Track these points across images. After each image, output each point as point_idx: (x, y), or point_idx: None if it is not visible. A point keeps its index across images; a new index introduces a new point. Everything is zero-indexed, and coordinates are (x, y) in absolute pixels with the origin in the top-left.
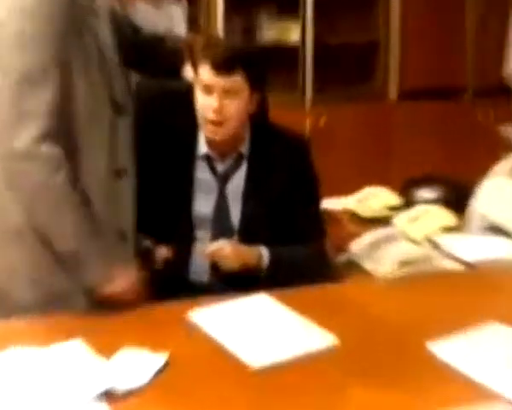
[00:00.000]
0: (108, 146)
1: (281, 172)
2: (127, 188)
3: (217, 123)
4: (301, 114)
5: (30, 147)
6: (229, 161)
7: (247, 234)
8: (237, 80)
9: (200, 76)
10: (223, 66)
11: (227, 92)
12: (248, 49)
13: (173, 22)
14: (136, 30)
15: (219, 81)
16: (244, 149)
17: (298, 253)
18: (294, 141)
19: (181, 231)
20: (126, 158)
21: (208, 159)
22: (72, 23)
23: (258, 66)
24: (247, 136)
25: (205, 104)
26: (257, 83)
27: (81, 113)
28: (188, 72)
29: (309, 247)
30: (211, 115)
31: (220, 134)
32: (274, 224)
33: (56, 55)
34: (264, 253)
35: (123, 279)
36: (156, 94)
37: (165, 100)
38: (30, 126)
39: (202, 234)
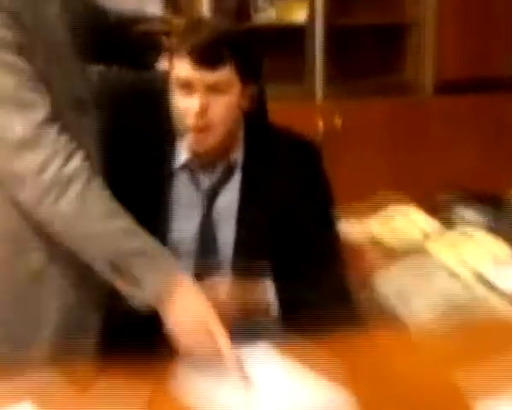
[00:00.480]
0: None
1: (284, 184)
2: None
3: (201, 129)
4: (310, 111)
5: None
6: (217, 173)
7: (243, 265)
8: (224, 73)
9: (176, 71)
10: (204, 56)
11: (212, 89)
12: (237, 31)
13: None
14: (97, 11)
15: (201, 76)
16: (237, 156)
17: (311, 289)
18: (301, 145)
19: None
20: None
21: (189, 170)
22: None
23: (251, 51)
24: (240, 139)
25: (184, 107)
26: (250, 73)
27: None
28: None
29: (325, 281)
30: (192, 121)
31: (206, 143)
32: (277, 252)
33: None
34: (268, 289)
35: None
36: (122, 88)
37: (134, 96)
38: None
39: (183, 266)
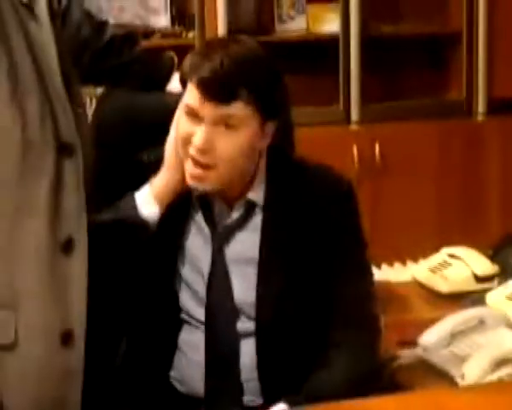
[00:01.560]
0: (49, 208)
1: (311, 229)
2: (77, 267)
3: (202, 166)
4: (343, 135)
5: None
6: (234, 212)
7: (268, 321)
8: (238, 108)
9: (186, 97)
10: (214, 91)
11: (222, 123)
12: (258, 60)
13: (149, 9)
14: (98, 29)
15: (210, 110)
16: (257, 195)
17: (335, 369)
18: (332, 184)
19: (160, 314)
20: (76, 220)
21: (203, 204)
22: None
23: (273, 85)
24: (261, 177)
25: (188, 133)
26: (271, 108)
27: (7, 156)
28: (175, 84)
29: (353, 355)
30: (193, 153)
31: (207, 182)
32: (302, 307)
33: None
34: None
35: None
36: (126, 112)
37: (138, 120)
38: None
39: (196, 313)
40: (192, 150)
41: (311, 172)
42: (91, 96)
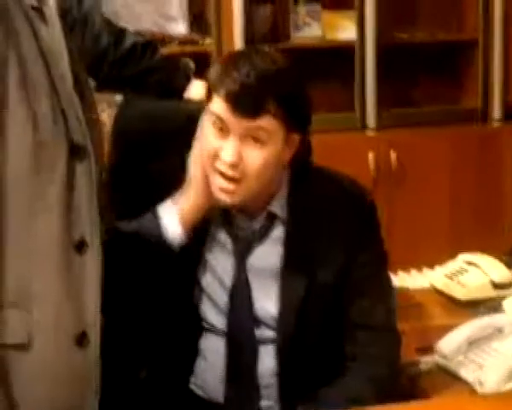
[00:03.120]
0: (62, 207)
1: (333, 243)
2: (90, 268)
3: (230, 180)
4: (360, 142)
5: None
6: (255, 224)
7: (288, 332)
8: (267, 121)
9: (213, 106)
10: (244, 105)
11: (250, 137)
12: (284, 72)
13: (166, 17)
14: (118, 37)
15: (238, 123)
16: (278, 208)
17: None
18: (352, 197)
19: (181, 322)
20: (89, 222)
21: (225, 216)
22: None
23: (300, 95)
24: (283, 190)
25: (215, 147)
26: (298, 121)
27: (16, 159)
28: (194, 91)
29: (374, 368)
30: (222, 167)
31: (234, 196)
32: (325, 318)
33: None
34: None
35: None
36: (146, 120)
37: (160, 128)
38: None
39: (216, 322)
40: (221, 165)
41: (332, 183)
42: (110, 103)
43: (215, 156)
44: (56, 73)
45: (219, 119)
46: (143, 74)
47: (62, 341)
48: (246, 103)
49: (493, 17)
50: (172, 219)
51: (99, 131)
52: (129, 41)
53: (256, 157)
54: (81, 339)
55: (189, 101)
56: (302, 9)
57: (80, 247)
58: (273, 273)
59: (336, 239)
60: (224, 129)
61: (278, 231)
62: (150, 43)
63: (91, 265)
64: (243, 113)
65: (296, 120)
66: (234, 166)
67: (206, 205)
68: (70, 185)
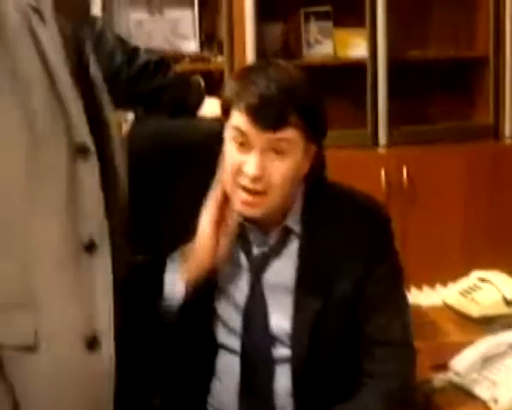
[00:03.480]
0: (67, 207)
1: (348, 257)
2: (100, 269)
3: (255, 193)
4: (371, 159)
5: None
6: (270, 239)
7: (303, 349)
8: (289, 132)
9: (234, 121)
10: (265, 119)
11: (272, 149)
12: (301, 83)
13: (178, 35)
14: (131, 55)
15: (261, 136)
16: (294, 222)
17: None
18: (368, 213)
19: (195, 344)
20: (97, 223)
21: (240, 230)
22: None
23: (318, 105)
24: (298, 203)
25: (238, 163)
26: (316, 131)
27: (16, 159)
28: (208, 109)
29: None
30: (245, 183)
31: (259, 209)
32: (340, 335)
33: None
34: None
35: None
36: (159, 140)
37: (172, 148)
38: None
39: (230, 343)
40: (244, 179)
41: (347, 198)
42: (121, 121)
43: (238, 172)
44: (52, 69)
45: (240, 133)
46: (156, 92)
47: (71, 343)
48: (267, 116)
49: (504, 34)
50: (174, 276)
51: (109, 132)
52: (142, 59)
53: (279, 169)
54: (92, 342)
55: (204, 119)
56: (314, 27)
57: (90, 247)
58: (288, 289)
59: (352, 254)
60: (245, 143)
61: (293, 247)
62: (163, 61)
63: (102, 266)
64: (265, 125)
65: (315, 130)
66: (257, 179)
67: (211, 266)
68: (74, 185)
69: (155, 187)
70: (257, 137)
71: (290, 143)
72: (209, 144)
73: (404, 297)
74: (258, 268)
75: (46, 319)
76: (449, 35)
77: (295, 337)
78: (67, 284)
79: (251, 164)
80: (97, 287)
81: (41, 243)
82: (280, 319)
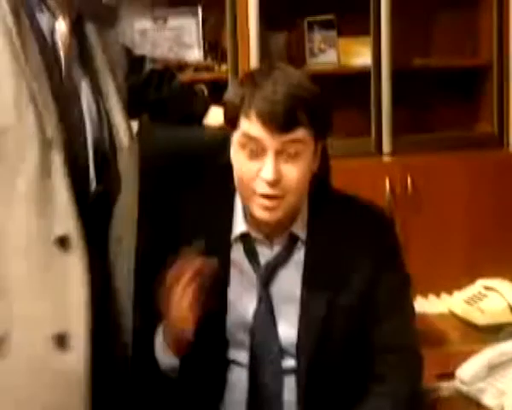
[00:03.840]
0: (36, 199)
1: (354, 263)
2: (75, 267)
3: (272, 198)
4: (376, 167)
5: None
6: (276, 247)
7: (311, 358)
8: (301, 133)
9: (243, 128)
10: (277, 122)
11: (285, 152)
12: (304, 82)
13: (182, 44)
14: (136, 65)
15: (273, 139)
16: (300, 228)
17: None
18: (372, 218)
19: (202, 357)
20: (71, 218)
21: (246, 243)
22: None
23: (323, 102)
24: (304, 209)
25: (250, 170)
26: (323, 129)
27: None
28: (212, 117)
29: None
30: (263, 189)
31: (276, 212)
32: (348, 341)
33: None
34: None
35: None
36: (165, 146)
37: (179, 156)
38: None
39: (237, 354)
40: (261, 186)
41: (351, 205)
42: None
43: (253, 179)
44: (25, 57)
45: (252, 139)
46: (162, 101)
47: (39, 339)
48: (278, 118)
49: (508, 42)
50: (163, 348)
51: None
52: (147, 68)
53: (294, 171)
54: (62, 340)
55: (209, 127)
56: (317, 36)
57: (63, 244)
58: (295, 298)
59: (358, 261)
60: (257, 149)
61: (299, 255)
62: (167, 70)
63: (76, 264)
64: (278, 128)
65: (322, 127)
66: (275, 183)
67: (190, 336)
68: (44, 178)
69: (160, 195)
70: (270, 141)
71: (303, 143)
72: (214, 154)
73: (412, 303)
74: (265, 279)
75: (16, 311)
76: (453, 43)
77: (301, 346)
78: (37, 277)
79: (267, 169)
80: (71, 283)
81: (8, 233)
82: (288, 330)
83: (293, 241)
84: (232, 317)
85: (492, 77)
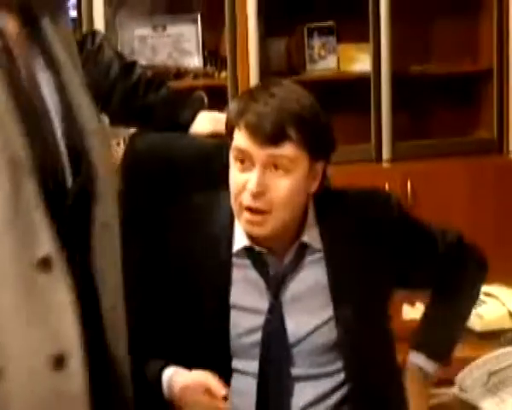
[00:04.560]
0: (10, 222)
1: (377, 255)
2: (60, 287)
3: (257, 212)
4: (375, 173)
5: None
6: (286, 257)
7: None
8: (288, 148)
9: (235, 141)
10: (263, 134)
11: (273, 166)
12: (303, 100)
13: (182, 51)
14: (127, 69)
15: (260, 151)
16: (310, 237)
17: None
18: (376, 201)
19: (210, 364)
20: (51, 240)
21: (252, 255)
22: None
23: (321, 123)
24: (311, 219)
25: (240, 183)
26: (320, 148)
27: None
28: (199, 125)
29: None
30: (247, 201)
31: (262, 228)
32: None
33: None
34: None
35: None
36: (161, 155)
37: (175, 164)
38: None
39: (244, 364)
40: (246, 198)
41: (356, 200)
42: (125, 138)
43: (240, 192)
44: None
45: (241, 151)
46: (147, 109)
47: (35, 363)
48: (265, 129)
49: (508, 48)
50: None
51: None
52: (136, 74)
53: (281, 186)
54: (58, 362)
55: (196, 136)
56: (317, 42)
57: (45, 265)
58: (306, 304)
59: (377, 254)
60: (246, 161)
61: (308, 260)
62: (156, 78)
63: (60, 284)
64: (263, 140)
65: (319, 147)
66: (258, 196)
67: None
68: (16, 201)
69: (154, 201)
70: (256, 152)
71: (291, 159)
72: (203, 162)
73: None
74: (275, 289)
75: (9, 341)
76: (452, 49)
77: (343, 349)
78: (24, 302)
79: (251, 180)
80: (59, 305)
81: None
82: (297, 335)
83: (302, 249)
84: (240, 329)
85: (492, 83)
